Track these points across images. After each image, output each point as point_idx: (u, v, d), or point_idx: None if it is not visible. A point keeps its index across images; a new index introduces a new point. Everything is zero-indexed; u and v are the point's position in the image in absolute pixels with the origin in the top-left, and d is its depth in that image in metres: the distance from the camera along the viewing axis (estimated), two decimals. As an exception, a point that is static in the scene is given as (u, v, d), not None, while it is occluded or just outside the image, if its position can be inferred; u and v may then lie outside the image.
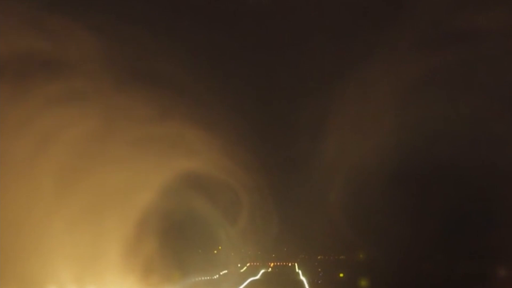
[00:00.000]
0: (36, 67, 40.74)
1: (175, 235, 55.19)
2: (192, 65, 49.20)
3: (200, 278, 64.49)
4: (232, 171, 52.83)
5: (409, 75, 51.36)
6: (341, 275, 72.44)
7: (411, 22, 50.42)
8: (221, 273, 72.07)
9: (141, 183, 44.68)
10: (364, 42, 55.46)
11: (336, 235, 67.97)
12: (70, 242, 40.95)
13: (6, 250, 38.25)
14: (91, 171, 41.98)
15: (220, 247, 71.71)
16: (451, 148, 54.75)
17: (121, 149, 43.15)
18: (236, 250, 76.39)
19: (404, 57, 51.08)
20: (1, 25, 38.62)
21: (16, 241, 39.11)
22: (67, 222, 40.90)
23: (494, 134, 51.10)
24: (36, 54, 40.64)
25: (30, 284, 40.21)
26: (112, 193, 42.69)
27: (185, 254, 61.97)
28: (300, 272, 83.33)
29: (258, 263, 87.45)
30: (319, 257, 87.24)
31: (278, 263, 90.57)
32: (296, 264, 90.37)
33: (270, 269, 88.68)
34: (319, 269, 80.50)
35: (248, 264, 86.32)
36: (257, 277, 77.66)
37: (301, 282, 71.28)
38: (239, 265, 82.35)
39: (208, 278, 67.21)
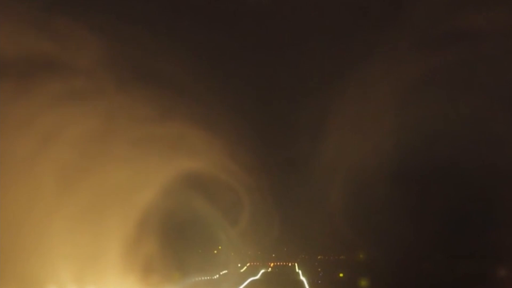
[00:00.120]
0: (37, 66, 40.73)
1: (175, 235, 55.23)
2: (192, 65, 49.19)
3: (200, 278, 64.52)
4: (232, 171, 52.86)
5: (409, 75, 51.37)
6: (341, 275, 72.48)
7: (411, 22, 50.43)
8: (221, 273, 72.12)
9: (141, 183, 44.69)
10: (364, 42, 55.48)
11: (336, 235, 68.02)
12: (70, 241, 40.94)
13: (6, 250, 38.24)
14: (91, 171, 41.98)
15: (220, 247, 71.80)
16: (451, 148, 54.79)
17: (122, 148, 43.16)
18: (236, 250, 76.51)
19: (404, 57, 51.10)
20: (3, 25, 38.61)
21: (16, 240, 39.10)
22: (68, 221, 40.88)
23: (494, 134, 51.12)
24: (37, 54, 40.63)
25: (30, 284, 40.20)
26: (113, 192, 42.69)
27: (185, 254, 62.01)
28: (300, 272, 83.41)
29: (258, 263, 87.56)
30: (319, 257, 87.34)
31: (278, 263, 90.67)
32: (296, 264, 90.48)
33: (270, 269, 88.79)
34: (319, 269, 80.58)
35: (248, 264, 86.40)
36: (257, 277, 77.72)
37: (301, 282, 71.31)
38: (239, 265, 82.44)
39: (208, 278, 67.24)
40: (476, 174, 55.00)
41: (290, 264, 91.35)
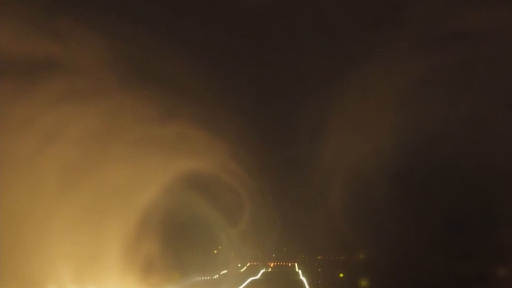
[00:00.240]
0: (37, 66, 40.75)
1: (175, 234, 55.22)
2: (192, 65, 49.20)
3: (200, 278, 64.53)
4: (232, 171, 52.87)
5: (409, 75, 51.37)
6: (341, 275, 72.46)
7: (411, 22, 50.44)
8: (221, 273, 72.11)
9: (143, 183, 44.70)
10: (364, 42, 55.51)
11: (336, 235, 68.04)
12: (70, 241, 40.94)
13: (7, 250, 38.23)
14: (92, 171, 41.98)
15: (220, 247, 71.80)
16: (451, 148, 54.79)
17: (122, 148, 43.17)
18: (236, 250, 76.53)
19: (404, 57, 51.11)
20: (4, 25, 38.62)
21: (17, 240, 39.09)
22: (68, 221, 40.88)
23: (494, 134, 51.13)
24: (37, 54, 40.64)
25: (30, 284, 40.19)
26: (113, 192, 42.69)
27: (185, 254, 62.01)
28: (300, 272, 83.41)
29: (258, 263, 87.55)
30: (319, 257, 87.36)
31: (278, 263, 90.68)
32: (296, 264, 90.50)
33: (270, 269, 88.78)
34: (319, 269, 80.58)
35: (248, 264, 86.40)
36: (257, 277, 77.70)
37: (301, 282, 71.30)
38: (239, 265, 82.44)
39: (208, 278, 67.24)
40: (476, 174, 55.03)
41: (290, 264, 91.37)
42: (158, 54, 46.94)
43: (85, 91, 42.12)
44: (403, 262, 66.05)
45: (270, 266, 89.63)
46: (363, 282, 60.85)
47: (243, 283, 67.91)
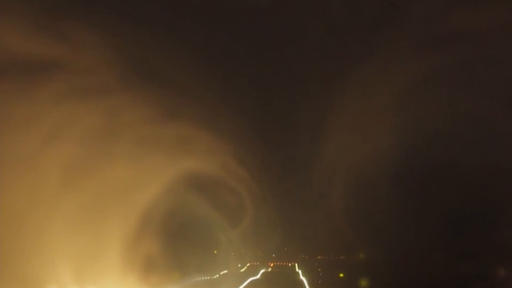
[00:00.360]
0: (38, 66, 40.78)
1: (175, 234, 55.20)
2: (192, 65, 49.24)
3: (200, 278, 64.51)
4: (232, 171, 52.88)
5: (409, 75, 51.40)
6: (341, 275, 72.43)
7: (411, 22, 50.45)
8: (221, 273, 72.07)
9: (143, 182, 44.72)
10: (364, 42, 55.52)
11: (336, 235, 68.04)
12: (71, 241, 40.97)
13: (7, 249, 38.23)
14: (93, 170, 42.01)
15: (220, 247, 71.75)
16: (451, 148, 54.80)
17: (123, 148, 43.19)
18: (236, 250, 76.49)
19: (404, 57, 51.14)
20: (5, 25, 38.65)
21: (17, 240, 39.11)
22: (68, 221, 40.91)
23: (494, 134, 51.13)
24: (38, 54, 40.66)
25: (30, 283, 40.20)
26: (114, 192, 42.71)
27: (185, 254, 61.98)
28: (300, 272, 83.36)
29: (258, 263, 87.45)
30: (319, 257, 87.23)
31: (278, 263, 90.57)
32: (296, 264, 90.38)
33: (270, 269, 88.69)
34: (319, 269, 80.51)
35: (248, 264, 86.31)
36: (257, 277, 77.66)
37: (301, 282, 71.28)
38: (239, 265, 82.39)
39: (208, 278, 67.22)
40: (477, 174, 55.04)
41: (290, 264, 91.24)
42: (158, 54, 47.00)
43: (85, 91, 42.16)
44: (403, 262, 66.01)
45: (270, 266, 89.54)
46: (363, 282, 60.82)
47: (243, 283, 67.90)
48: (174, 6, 53.35)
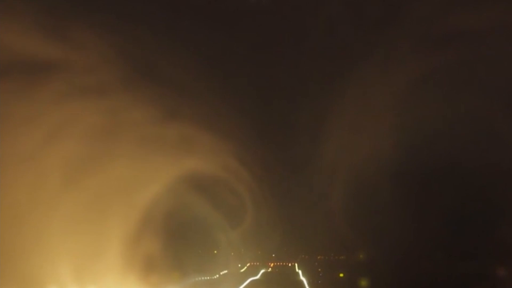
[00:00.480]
0: (39, 66, 40.80)
1: (175, 234, 55.20)
2: (192, 65, 49.26)
3: (200, 278, 64.52)
4: (232, 171, 52.88)
5: (409, 75, 51.42)
6: (341, 275, 72.46)
7: (411, 22, 50.48)
8: (221, 273, 72.08)
9: (143, 182, 44.73)
10: (364, 42, 55.54)
11: (336, 235, 68.03)
12: (71, 241, 40.97)
13: (7, 249, 38.24)
14: (93, 170, 42.02)
15: (220, 247, 71.72)
16: (451, 148, 54.81)
17: (123, 147, 43.20)
18: (236, 250, 76.50)
19: (404, 57, 51.16)
20: (6, 25, 38.68)
21: (17, 240, 39.11)
22: (68, 221, 40.91)
23: (494, 134, 51.16)
24: (39, 53, 40.68)
25: (31, 283, 40.20)
26: (114, 192, 42.72)
27: (185, 254, 61.97)
28: (300, 272, 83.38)
29: (258, 263, 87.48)
30: (319, 257, 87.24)
31: (278, 263, 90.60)
32: (296, 264, 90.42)
33: (270, 269, 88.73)
34: (319, 269, 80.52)
35: (248, 264, 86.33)
36: (257, 277, 77.69)
37: (301, 282, 71.31)
38: (239, 265, 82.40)
39: (208, 278, 67.23)
40: (477, 174, 55.06)
41: (290, 264, 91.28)
42: (158, 54, 47.02)
43: (86, 91, 42.18)
44: (403, 262, 66.02)
45: (270, 266, 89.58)
46: (363, 282, 60.84)
47: (243, 283, 67.92)
48: (174, 6, 53.40)
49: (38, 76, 40.55)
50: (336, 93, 54.95)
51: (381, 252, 69.84)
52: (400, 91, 52.18)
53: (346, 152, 55.95)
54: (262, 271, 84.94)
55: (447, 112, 52.52)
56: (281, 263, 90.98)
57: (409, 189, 61.54)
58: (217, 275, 70.62)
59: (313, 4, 56.60)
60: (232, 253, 75.86)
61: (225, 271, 73.64)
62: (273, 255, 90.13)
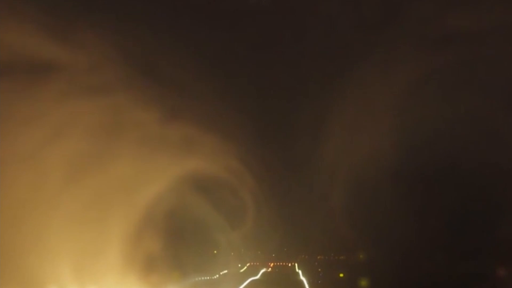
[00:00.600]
0: (39, 66, 40.81)
1: (175, 234, 55.20)
2: (192, 65, 49.28)
3: (200, 278, 64.52)
4: (232, 171, 52.89)
5: (409, 75, 51.46)
6: (341, 275, 72.48)
7: (411, 22, 50.54)
8: (221, 273, 72.08)
9: (144, 181, 44.75)
10: (364, 42, 55.59)
11: (336, 235, 68.05)
12: (71, 240, 40.97)
13: (7, 249, 38.24)
14: (94, 169, 42.04)
15: (220, 247, 71.71)
16: (452, 148, 54.87)
17: (125, 147, 43.22)
18: (236, 250, 76.51)
19: (404, 57, 51.20)
20: (7, 24, 38.70)
21: (17, 240, 39.11)
22: (69, 220, 40.92)
23: (494, 134, 51.20)
24: (40, 52, 40.70)
25: (31, 283, 40.19)
26: (115, 191, 42.74)
27: (185, 253, 61.98)
28: (300, 272, 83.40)
29: (258, 263, 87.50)
30: (319, 257, 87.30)
31: (278, 263, 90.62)
32: (296, 264, 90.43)
33: (270, 269, 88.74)
34: (319, 269, 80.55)
35: (248, 264, 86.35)
36: (257, 277, 77.69)
37: (301, 282, 71.31)
38: (239, 265, 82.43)
39: (208, 278, 67.23)
40: (477, 174, 55.10)
41: (290, 264, 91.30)
42: (159, 54, 47.04)
43: (87, 90, 42.21)
44: (404, 262, 66.06)
45: (270, 266, 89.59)
46: (363, 282, 60.85)
47: (243, 283, 67.92)
48: (175, 5, 53.46)
49: (39, 75, 40.57)
50: (336, 93, 55.03)
51: (381, 252, 69.92)
52: (400, 91, 52.26)
53: (346, 152, 56.02)
54: (262, 271, 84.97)
55: (447, 112, 52.60)
56: (281, 263, 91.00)
57: (409, 189, 61.63)
58: (217, 275, 70.61)
59: (313, 4, 56.69)
60: (232, 253, 75.88)
61: (225, 271, 73.64)
62: (273, 255, 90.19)
